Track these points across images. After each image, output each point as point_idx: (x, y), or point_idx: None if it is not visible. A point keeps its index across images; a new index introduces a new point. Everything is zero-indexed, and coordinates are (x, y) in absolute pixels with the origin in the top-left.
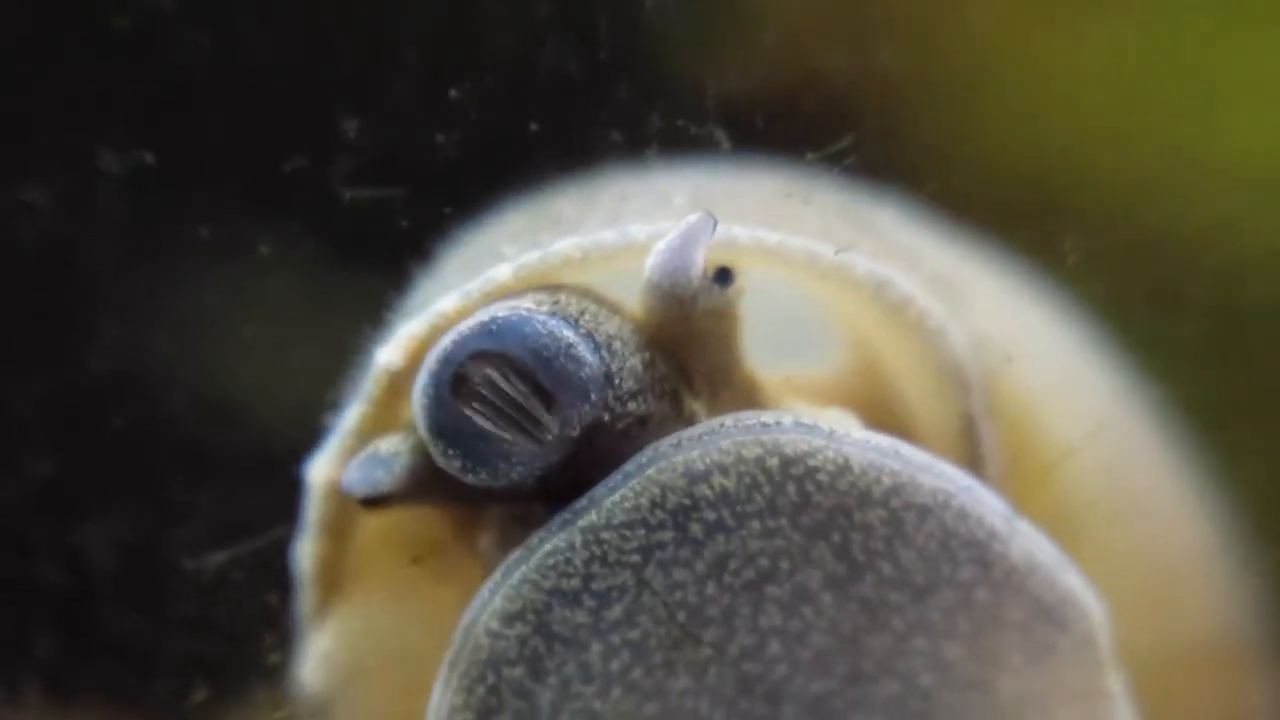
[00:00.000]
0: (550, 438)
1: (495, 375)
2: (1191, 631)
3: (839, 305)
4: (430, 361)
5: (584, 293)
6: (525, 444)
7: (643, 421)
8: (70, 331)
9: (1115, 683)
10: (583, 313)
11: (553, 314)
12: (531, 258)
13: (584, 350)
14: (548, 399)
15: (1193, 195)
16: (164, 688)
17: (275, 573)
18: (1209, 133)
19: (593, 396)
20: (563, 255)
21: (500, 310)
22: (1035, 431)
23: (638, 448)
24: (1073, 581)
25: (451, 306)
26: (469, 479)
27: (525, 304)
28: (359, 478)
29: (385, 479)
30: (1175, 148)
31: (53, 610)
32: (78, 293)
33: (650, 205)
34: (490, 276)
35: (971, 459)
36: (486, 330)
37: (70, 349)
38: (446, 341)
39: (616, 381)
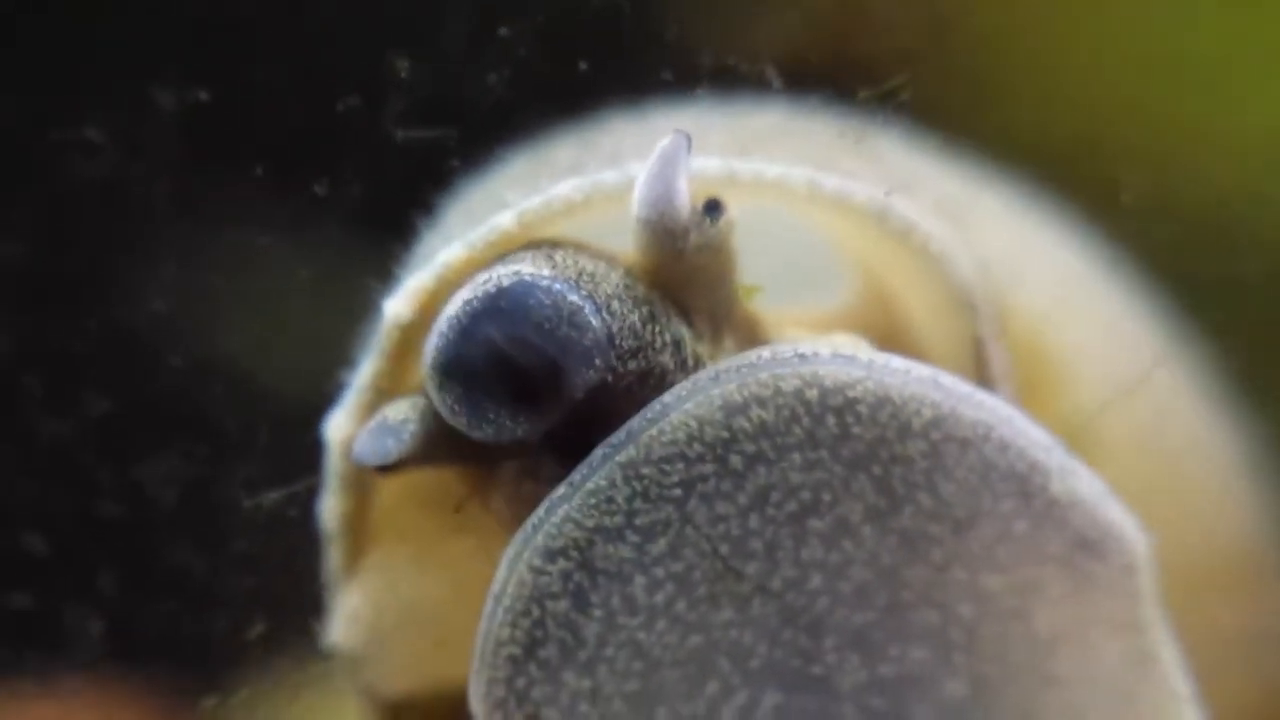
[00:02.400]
0: (554, 402)
1: (500, 343)
2: (1212, 548)
3: (842, 235)
4: (439, 326)
5: (579, 249)
6: (528, 408)
7: (643, 377)
8: (126, 270)
9: (1156, 615)
10: (580, 273)
11: (554, 279)
12: (533, 203)
13: (587, 315)
14: (552, 364)
15: (1241, 148)
16: (222, 622)
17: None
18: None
19: (597, 361)
20: (564, 198)
21: (504, 278)
22: (1047, 352)
23: (640, 403)
24: (1115, 514)
25: (457, 256)
26: (474, 435)
27: (526, 268)
28: (369, 448)
29: (394, 447)
30: (1230, 101)
31: (113, 547)
32: (133, 231)
33: (651, 145)
34: (493, 224)
35: (984, 381)
36: (492, 302)
37: (126, 287)
38: (452, 310)
39: (617, 342)
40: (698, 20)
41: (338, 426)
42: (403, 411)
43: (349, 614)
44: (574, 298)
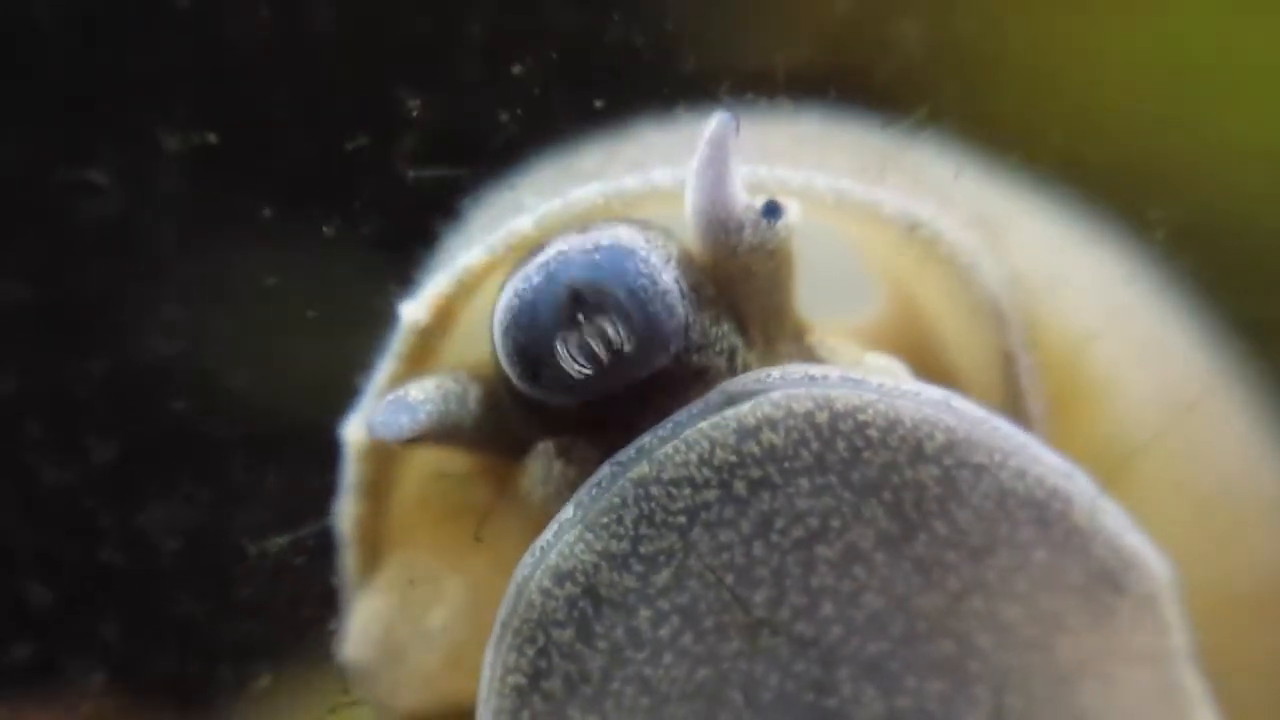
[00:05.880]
0: (618, 373)
1: (587, 302)
2: (1250, 572)
3: (871, 245)
4: (528, 272)
5: (667, 234)
6: (595, 376)
7: (699, 374)
8: (132, 312)
9: (1182, 647)
10: (670, 258)
11: (650, 251)
12: (553, 206)
13: (675, 299)
14: (630, 334)
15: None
16: (227, 672)
17: (337, 556)
18: None
19: (672, 347)
20: (585, 202)
21: (604, 238)
22: (1084, 370)
23: (691, 399)
24: (1136, 542)
25: (476, 261)
26: (528, 390)
27: (624, 234)
28: (382, 422)
29: (407, 425)
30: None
31: (116, 594)
32: (139, 273)
33: (675, 152)
34: (512, 228)
35: (1012, 394)
36: (590, 258)
37: (132, 330)
38: (547, 258)
39: (691, 333)
40: (715, 53)
41: (355, 430)
42: (425, 390)
43: (361, 628)
44: (668, 277)
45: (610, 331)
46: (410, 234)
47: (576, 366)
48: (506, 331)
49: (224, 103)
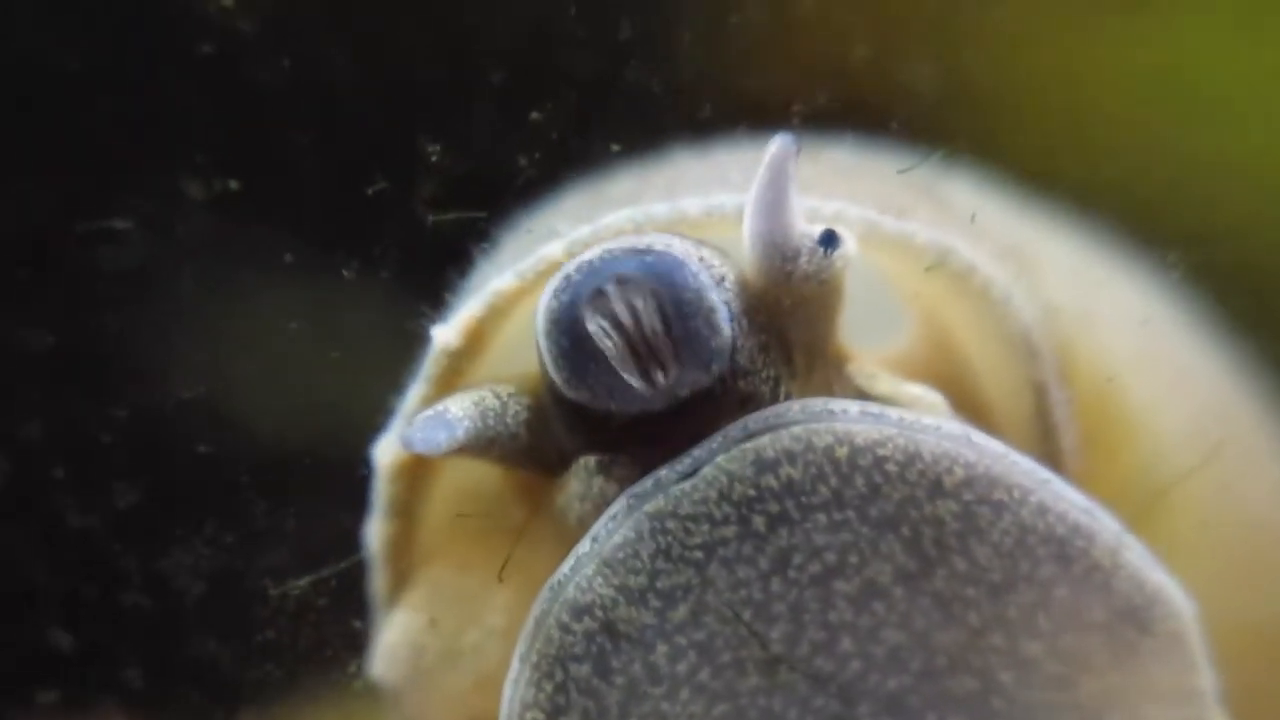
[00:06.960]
0: (658, 391)
1: (635, 305)
2: None
3: (903, 277)
4: (570, 269)
5: (723, 255)
6: (634, 385)
7: (744, 402)
8: (154, 358)
9: (1207, 683)
10: (722, 279)
11: (702, 269)
12: (582, 233)
13: (722, 318)
14: (670, 348)
15: None
16: (250, 715)
17: (360, 598)
18: None
19: (714, 367)
20: (614, 229)
21: (657, 243)
22: (1115, 403)
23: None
24: (1160, 579)
25: (507, 286)
26: (568, 392)
27: (678, 245)
28: (421, 437)
29: (445, 441)
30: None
31: (137, 637)
32: (161, 319)
33: (706, 180)
34: (543, 255)
35: (1045, 428)
36: (641, 259)
37: (155, 375)
38: (593, 255)
39: (738, 358)
40: (731, 99)
41: (386, 451)
42: (463, 407)
43: (390, 648)
44: (714, 296)
45: (650, 339)
46: (430, 277)
47: (610, 382)
48: (548, 334)
49: (246, 149)
